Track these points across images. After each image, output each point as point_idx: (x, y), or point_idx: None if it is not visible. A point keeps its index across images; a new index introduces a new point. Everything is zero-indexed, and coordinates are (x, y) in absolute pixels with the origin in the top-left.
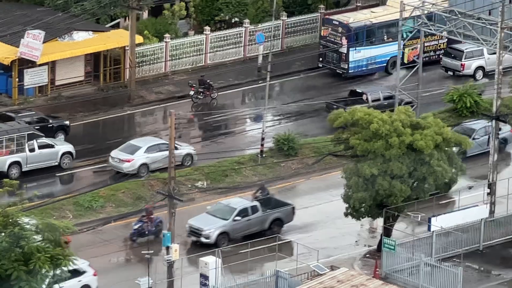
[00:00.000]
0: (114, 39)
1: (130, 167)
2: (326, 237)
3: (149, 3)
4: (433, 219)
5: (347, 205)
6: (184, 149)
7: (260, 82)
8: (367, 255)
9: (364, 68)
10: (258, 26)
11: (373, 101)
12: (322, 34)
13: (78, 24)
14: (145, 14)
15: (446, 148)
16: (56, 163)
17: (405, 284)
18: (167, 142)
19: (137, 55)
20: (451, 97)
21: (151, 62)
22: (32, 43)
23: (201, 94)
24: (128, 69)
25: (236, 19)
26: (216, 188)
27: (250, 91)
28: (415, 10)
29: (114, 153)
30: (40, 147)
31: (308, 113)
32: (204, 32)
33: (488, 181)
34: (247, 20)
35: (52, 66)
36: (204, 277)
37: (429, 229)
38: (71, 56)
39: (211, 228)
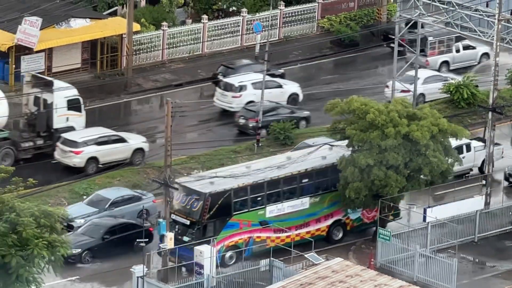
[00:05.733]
0: (111, 26)
1: None
2: None
3: None
4: (428, 210)
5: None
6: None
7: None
8: (363, 246)
9: None
10: (256, 15)
11: None
12: None
13: (76, 11)
14: (142, 2)
15: (442, 139)
16: None
17: (400, 274)
18: None
19: (134, 43)
20: (447, 88)
21: (148, 50)
22: (29, 30)
23: None
24: (125, 56)
25: (234, 8)
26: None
27: None
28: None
29: None
30: (464, 48)
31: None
32: (202, 21)
33: (484, 173)
34: (244, 9)
35: (49, 53)
36: (199, 265)
37: (424, 220)
38: (68, 43)
39: None
